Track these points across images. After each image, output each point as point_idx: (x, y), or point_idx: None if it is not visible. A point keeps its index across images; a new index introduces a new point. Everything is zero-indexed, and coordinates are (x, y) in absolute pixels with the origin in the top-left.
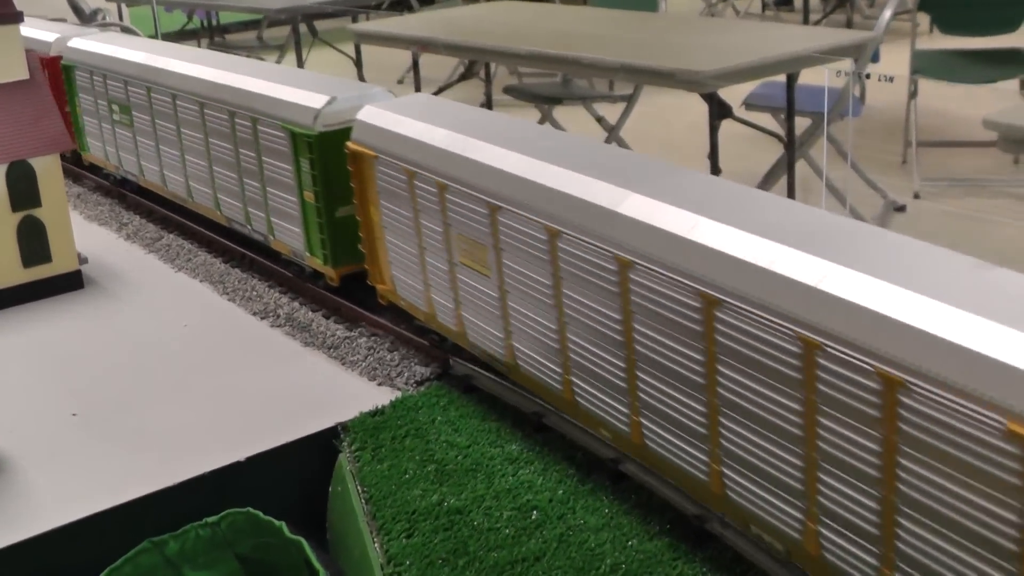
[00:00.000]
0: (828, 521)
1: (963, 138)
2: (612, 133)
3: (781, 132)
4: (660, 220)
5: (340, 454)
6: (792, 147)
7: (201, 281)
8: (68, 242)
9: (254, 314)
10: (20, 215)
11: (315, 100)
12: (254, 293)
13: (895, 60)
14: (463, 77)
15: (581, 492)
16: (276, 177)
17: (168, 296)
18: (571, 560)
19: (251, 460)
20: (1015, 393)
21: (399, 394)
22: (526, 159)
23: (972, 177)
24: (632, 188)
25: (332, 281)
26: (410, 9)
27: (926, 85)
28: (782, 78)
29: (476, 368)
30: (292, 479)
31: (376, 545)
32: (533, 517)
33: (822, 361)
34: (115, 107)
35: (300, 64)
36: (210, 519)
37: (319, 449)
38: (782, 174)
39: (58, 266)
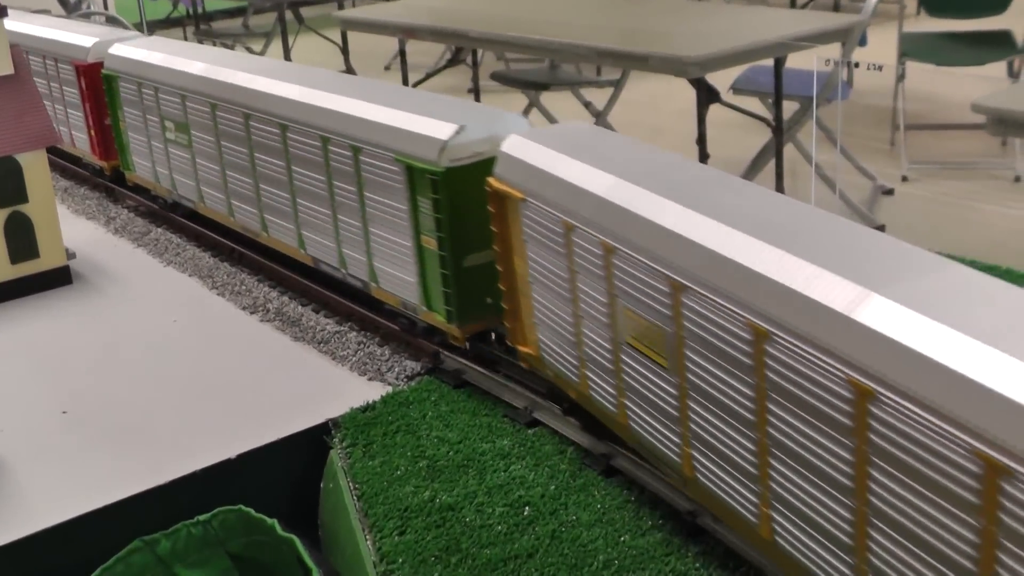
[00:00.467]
0: None
1: (951, 121)
2: (599, 119)
3: (769, 116)
4: None
5: (331, 450)
6: (780, 131)
7: (190, 275)
8: (55, 238)
9: (243, 308)
10: (7, 211)
11: (440, 129)
12: (243, 287)
13: (883, 43)
14: (450, 63)
15: (573, 487)
16: (383, 216)
17: (157, 291)
18: (564, 557)
19: (242, 457)
20: None
21: (390, 389)
22: (722, 226)
23: (960, 160)
24: (872, 287)
25: (457, 341)
26: None
27: (914, 68)
28: (769, 62)
29: (467, 363)
30: (283, 476)
31: (368, 543)
32: (525, 513)
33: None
34: (169, 124)
35: (286, 52)
36: (202, 517)
37: (310, 445)
38: (770, 159)
39: (45, 262)
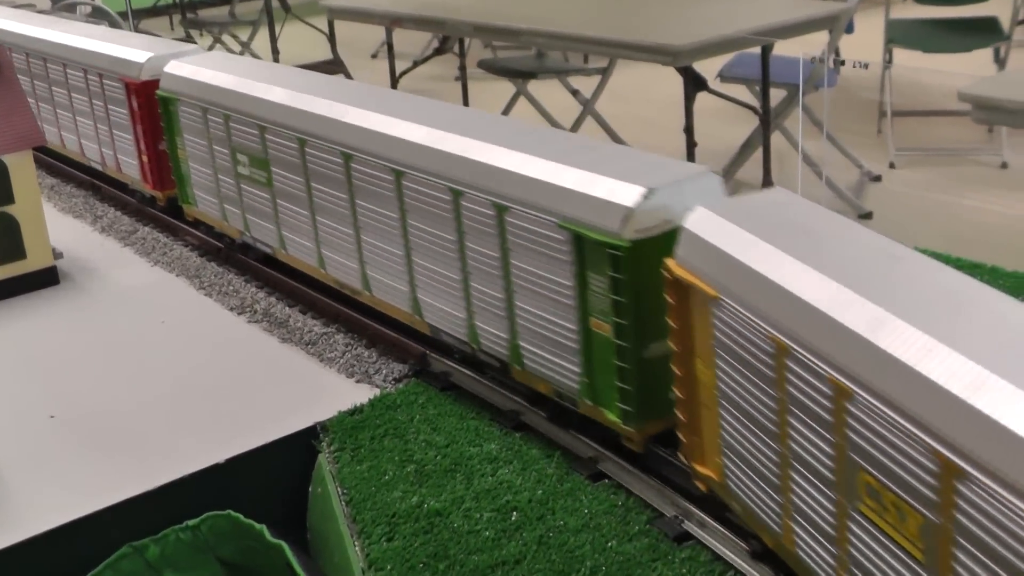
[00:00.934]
0: None
1: (938, 107)
2: (587, 107)
3: (756, 104)
4: None
5: (319, 454)
6: (767, 119)
7: (177, 275)
8: (42, 238)
9: (231, 309)
10: None
11: (624, 193)
12: (231, 288)
13: (869, 30)
14: (437, 52)
15: (560, 492)
16: (536, 291)
17: (144, 291)
18: (551, 563)
19: (231, 462)
20: None
21: (377, 392)
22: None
23: (947, 146)
24: None
25: (633, 444)
26: None
27: (900, 54)
28: (756, 50)
29: (454, 365)
30: (272, 480)
31: (357, 549)
32: (513, 519)
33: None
34: (242, 158)
35: (273, 41)
36: (191, 522)
37: (299, 449)
38: (757, 147)
39: (32, 262)
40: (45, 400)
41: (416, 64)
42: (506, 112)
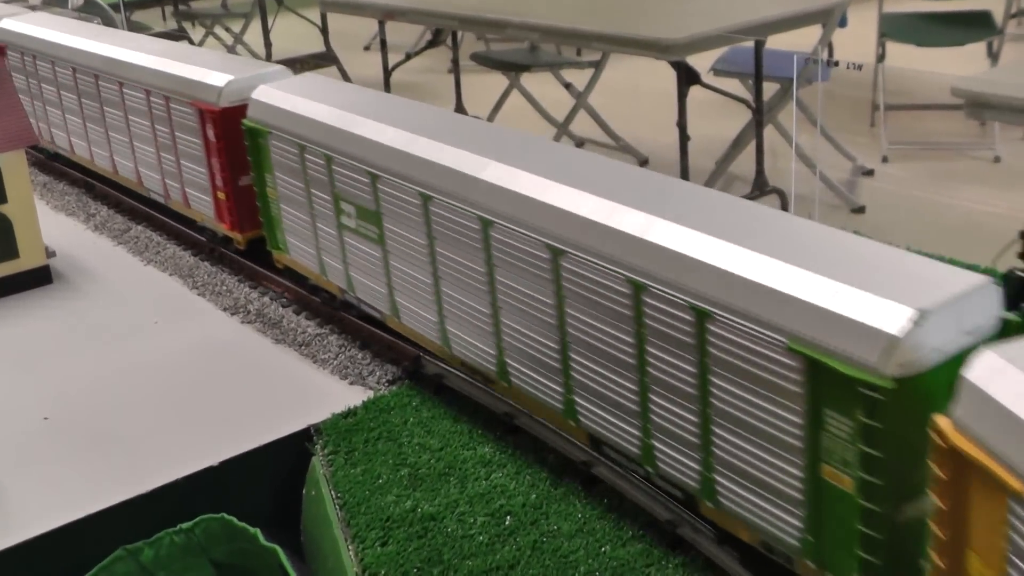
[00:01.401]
0: None
1: (931, 101)
2: (580, 100)
3: (749, 98)
4: None
5: (313, 457)
6: (760, 113)
7: (170, 275)
8: (35, 237)
9: (224, 309)
10: None
11: (886, 313)
12: (224, 288)
13: (863, 23)
14: (430, 44)
15: (554, 496)
16: (743, 418)
17: (138, 291)
18: (545, 568)
19: (225, 464)
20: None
21: (371, 394)
22: None
23: (939, 140)
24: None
25: None
26: None
27: (894, 48)
28: (750, 43)
29: (447, 367)
30: (266, 482)
31: (351, 553)
32: (507, 523)
33: None
34: (347, 207)
35: (266, 32)
36: (184, 525)
37: (292, 452)
38: (750, 140)
39: (25, 262)
40: (39, 402)
41: (409, 57)
42: (499, 106)
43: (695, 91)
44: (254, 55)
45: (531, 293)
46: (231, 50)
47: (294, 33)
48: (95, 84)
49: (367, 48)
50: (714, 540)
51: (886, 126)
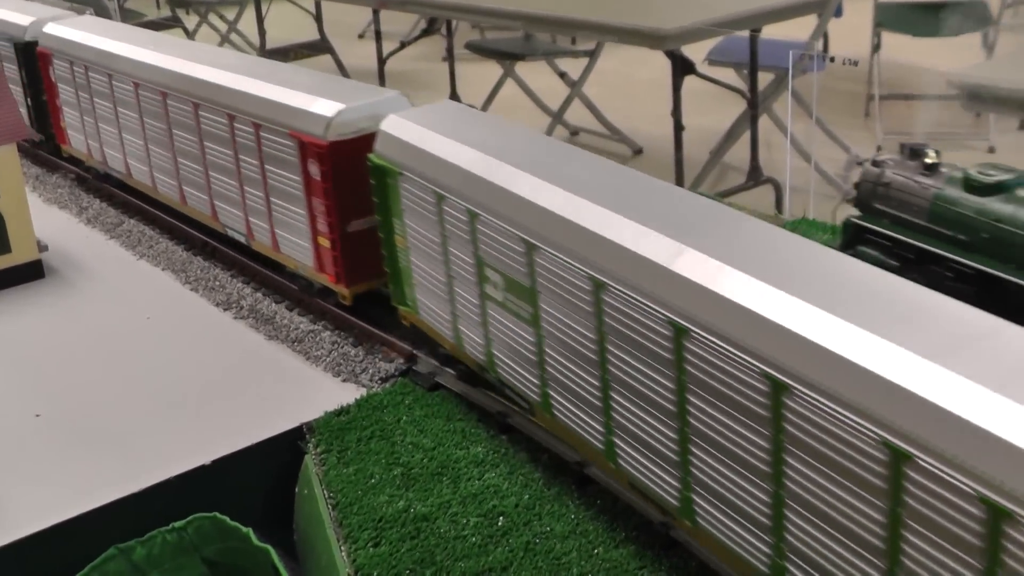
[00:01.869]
0: None
1: (926, 91)
2: (575, 89)
3: (744, 88)
4: None
5: (306, 455)
6: (755, 103)
7: (163, 270)
8: (27, 232)
9: (217, 305)
10: None
11: None
12: (217, 283)
13: (858, 14)
14: (425, 33)
15: (547, 497)
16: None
17: (130, 286)
18: (538, 570)
19: (217, 463)
20: None
21: (364, 392)
22: None
23: (934, 130)
24: None
25: None
26: None
27: (889, 38)
28: (745, 33)
29: (441, 365)
30: (259, 481)
31: (343, 553)
32: (499, 524)
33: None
34: (493, 275)
35: (260, 20)
36: (177, 524)
37: (285, 450)
38: (745, 129)
39: (17, 256)
40: (31, 398)
41: (403, 45)
42: (493, 94)
43: (690, 80)
44: (248, 43)
45: (717, 417)
46: (226, 38)
47: (288, 21)
48: (163, 103)
49: (361, 36)
50: None
51: (881, 116)
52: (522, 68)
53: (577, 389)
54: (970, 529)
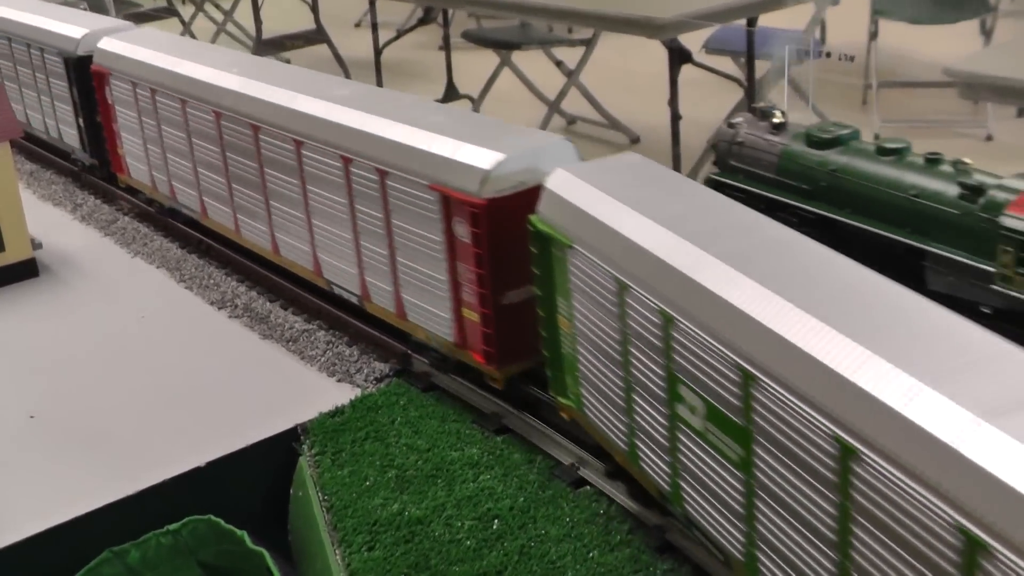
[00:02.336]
0: None
1: (923, 78)
2: (571, 78)
3: (741, 76)
4: None
5: (300, 457)
6: (752, 91)
7: (158, 267)
8: (21, 230)
9: (211, 303)
10: None
11: None
12: (211, 281)
13: (855, 1)
14: (421, 22)
15: (542, 499)
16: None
17: (125, 284)
18: (532, 574)
19: (212, 465)
20: None
21: (359, 392)
22: None
23: (932, 118)
24: None
25: None
26: None
27: (887, 26)
28: (742, 21)
29: (435, 366)
30: (253, 482)
31: (337, 557)
32: (494, 527)
33: None
34: (688, 395)
35: (255, 9)
36: (172, 527)
37: (279, 452)
38: None
39: (11, 255)
40: (25, 399)
41: (400, 34)
42: (490, 84)
43: (687, 69)
44: (245, 33)
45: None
46: (221, 28)
47: (284, 10)
48: (253, 138)
49: (358, 25)
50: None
51: (878, 104)
52: (519, 57)
53: (800, 564)
54: None
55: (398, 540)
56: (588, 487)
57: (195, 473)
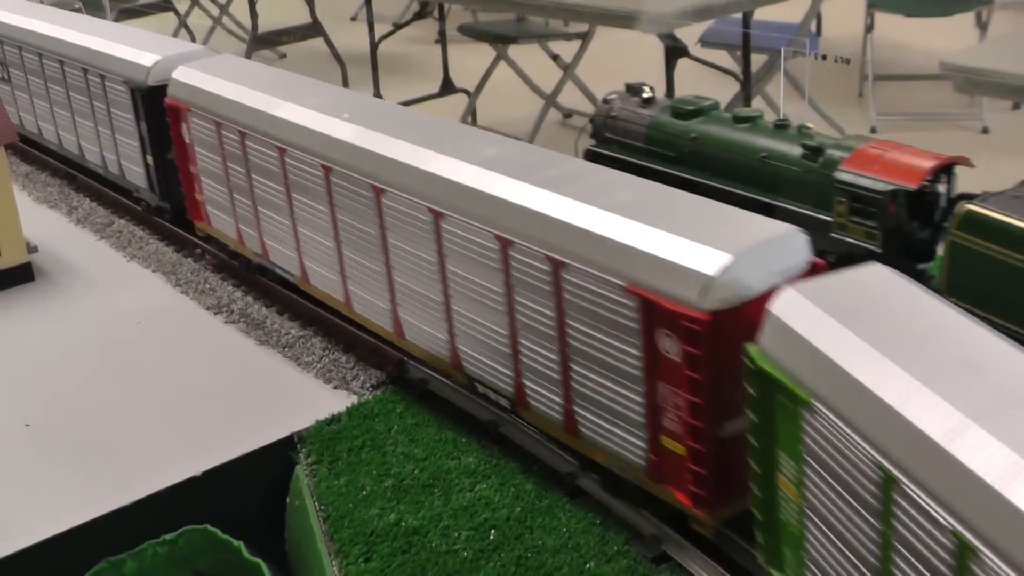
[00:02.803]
0: None
1: (919, 71)
2: (567, 72)
3: (737, 70)
4: None
5: (297, 465)
6: (748, 85)
7: (153, 271)
8: (16, 235)
9: (207, 309)
10: None
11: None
12: (207, 286)
13: None
14: (417, 16)
15: (539, 509)
16: None
17: (120, 289)
18: None
19: (208, 474)
20: None
21: (355, 399)
22: None
23: (927, 111)
24: None
25: None
26: None
27: (882, 18)
28: (738, 14)
29: (431, 372)
30: (250, 491)
31: (334, 568)
32: (491, 538)
33: None
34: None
35: (251, 3)
36: (168, 536)
37: (276, 460)
38: None
39: (7, 259)
40: (20, 407)
41: (396, 28)
42: (486, 77)
43: (683, 62)
44: (241, 27)
45: None
46: (217, 22)
47: (280, 4)
48: (374, 202)
49: (354, 18)
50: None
51: (875, 97)
52: (515, 51)
53: None
54: None
55: (395, 551)
56: (585, 497)
57: (191, 482)
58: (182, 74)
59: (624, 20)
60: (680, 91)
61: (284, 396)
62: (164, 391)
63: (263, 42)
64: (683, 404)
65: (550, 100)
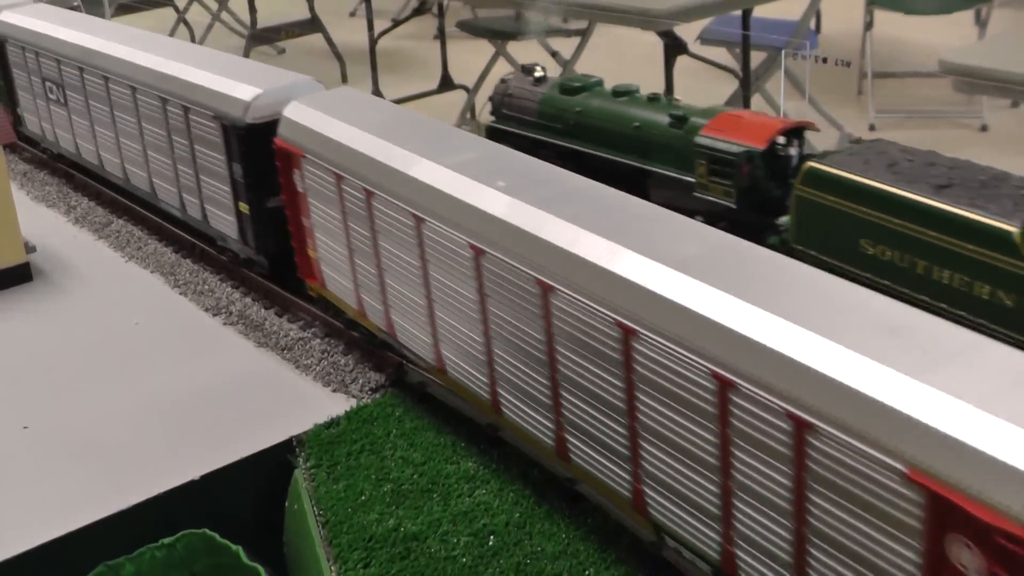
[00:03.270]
0: None
1: (918, 68)
2: (567, 68)
3: (736, 67)
4: None
5: (296, 470)
6: (747, 82)
7: (152, 272)
8: (14, 235)
9: (206, 310)
10: None
11: None
12: (206, 287)
13: None
14: (416, 12)
15: (538, 515)
16: None
17: (119, 289)
18: None
19: (206, 478)
20: None
21: (354, 403)
22: None
23: (926, 108)
24: None
25: None
26: None
27: (882, 15)
28: (737, 11)
29: (430, 375)
30: (249, 495)
31: (333, 573)
32: (490, 543)
33: None
34: None
35: (251, 0)
36: (166, 540)
37: (274, 464)
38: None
39: (4, 260)
40: (18, 409)
41: (396, 24)
42: (485, 74)
43: (682, 59)
44: (240, 23)
45: None
46: (216, 17)
47: (278, 2)
48: (541, 299)
49: (353, 14)
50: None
51: (874, 95)
52: (514, 47)
53: None
54: None
55: (394, 557)
56: (584, 502)
57: (190, 486)
58: (295, 112)
59: (621, 17)
60: (679, 88)
61: (283, 399)
62: (162, 393)
63: (262, 38)
64: None
65: None
